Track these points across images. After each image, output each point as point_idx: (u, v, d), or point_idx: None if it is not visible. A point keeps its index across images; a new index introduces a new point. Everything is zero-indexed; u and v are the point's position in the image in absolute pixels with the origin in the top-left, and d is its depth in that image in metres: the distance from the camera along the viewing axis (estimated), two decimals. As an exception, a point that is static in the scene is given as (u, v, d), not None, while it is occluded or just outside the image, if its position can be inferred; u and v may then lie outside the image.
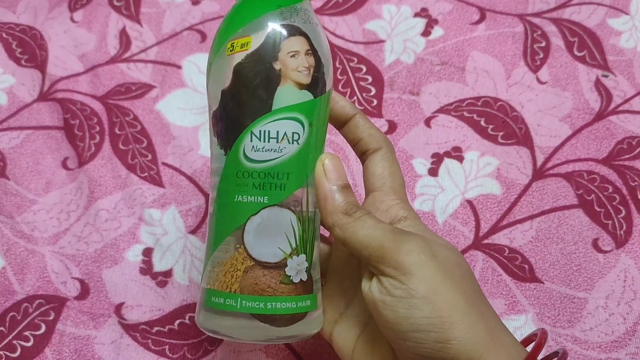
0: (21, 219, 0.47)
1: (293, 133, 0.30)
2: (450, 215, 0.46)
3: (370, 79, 0.52)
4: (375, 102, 0.51)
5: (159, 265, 0.46)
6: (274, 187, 0.30)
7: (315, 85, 0.31)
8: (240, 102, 0.30)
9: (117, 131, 0.51)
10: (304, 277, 0.31)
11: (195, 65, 0.53)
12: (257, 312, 0.30)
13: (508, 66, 0.52)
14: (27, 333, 0.43)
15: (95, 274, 0.45)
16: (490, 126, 0.49)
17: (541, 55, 0.52)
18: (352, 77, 0.52)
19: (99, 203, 0.47)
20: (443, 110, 0.50)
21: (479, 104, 0.50)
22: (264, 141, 0.30)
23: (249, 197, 0.30)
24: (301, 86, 0.30)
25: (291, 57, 0.30)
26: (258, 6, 0.31)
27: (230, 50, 0.30)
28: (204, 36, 0.55)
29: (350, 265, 0.35)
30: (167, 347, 0.43)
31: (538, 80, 0.51)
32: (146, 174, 0.49)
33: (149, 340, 0.43)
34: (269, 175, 0.30)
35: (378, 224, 0.30)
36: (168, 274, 0.45)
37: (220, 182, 0.31)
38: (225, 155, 0.31)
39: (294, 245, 0.31)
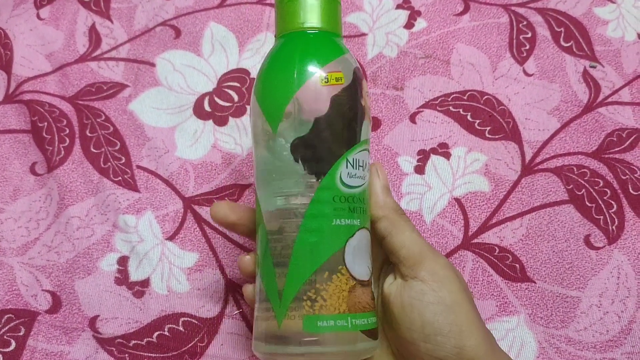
0: (-13, 229, 0.45)
1: (367, 163, 0.34)
2: (438, 215, 0.45)
3: (352, 74, 0.50)
4: (358, 98, 0.49)
5: (135, 275, 0.43)
6: (362, 210, 0.33)
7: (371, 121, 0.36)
8: (338, 131, 0.32)
9: (88, 133, 0.48)
10: (376, 293, 0.34)
11: (170, 63, 0.51)
12: (364, 328, 0.32)
13: (494, 58, 0.50)
14: (-5, 350, 0.41)
15: (68, 286, 0.43)
16: (477, 121, 0.48)
17: (527, 47, 0.51)
18: (333, 73, 0.50)
19: (70, 210, 0.45)
20: (428, 105, 0.49)
21: (465, 98, 0.49)
22: (356, 168, 0.33)
23: (346, 220, 0.32)
24: (369, 122, 0.35)
25: (367, 96, 0.35)
26: (336, 45, 0.34)
27: (326, 82, 0.32)
28: (178, 32, 0.53)
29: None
30: (145, 360, 0.41)
31: (525, 72, 0.50)
32: (120, 178, 0.46)
33: (126, 355, 0.41)
34: (359, 200, 0.33)
35: (418, 232, 0.34)
36: (145, 283, 0.43)
37: (312, 207, 0.32)
38: (317, 180, 0.32)
39: (371, 263, 0.34)
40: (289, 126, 0.32)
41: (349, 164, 0.32)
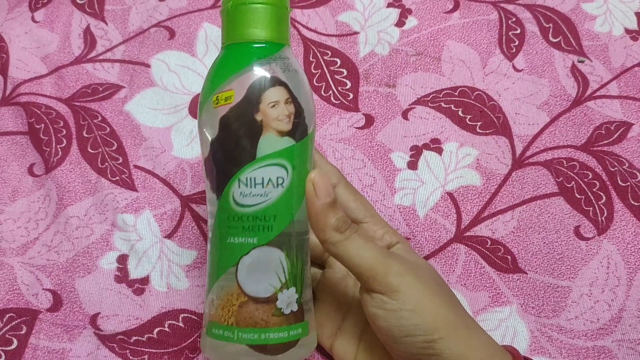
0: (-13, 230, 0.45)
1: (277, 178, 0.32)
2: (431, 209, 0.45)
3: (345, 72, 0.51)
4: (351, 95, 0.50)
5: (134, 273, 0.44)
6: (262, 228, 0.32)
7: (296, 130, 0.33)
8: (227, 152, 0.32)
9: (85, 134, 0.49)
10: (295, 308, 0.33)
11: (165, 63, 0.52)
12: (252, 342, 0.33)
13: (484, 55, 0.51)
14: (-2, 349, 0.41)
15: (68, 284, 0.44)
16: (468, 116, 0.49)
17: (516, 43, 0.52)
18: (326, 71, 0.51)
19: (69, 210, 0.46)
20: (420, 101, 0.49)
21: (456, 94, 0.50)
22: (251, 187, 0.32)
23: (239, 238, 0.33)
24: (282, 133, 0.32)
25: (271, 107, 0.32)
26: (238, 60, 0.33)
27: (216, 104, 0.32)
28: (172, 33, 0.53)
29: (344, 280, 0.38)
30: (146, 356, 0.41)
31: (514, 68, 0.51)
32: (117, 177, 0.47)
33: (127, 351, 0.42)
34: (257, 218, 0.32)
35: (367, 243, 0.33)
36: (145, 281, 0.44)
37: (214, 225, 0.34)
38: (217, 199, 0.33)
39: (283, 280, 0.33)
40: (202, 147, 0.34)
41: (241, 183, 0.32)
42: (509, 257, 0.44)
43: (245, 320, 0.33)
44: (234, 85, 0.32)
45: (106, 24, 0.54)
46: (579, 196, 0.45)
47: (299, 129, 0.33)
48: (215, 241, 0.34)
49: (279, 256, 0.33)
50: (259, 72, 0.32)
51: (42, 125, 0.49)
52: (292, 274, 0.33)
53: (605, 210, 0.45)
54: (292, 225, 0.33)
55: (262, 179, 0.32)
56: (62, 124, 0.49)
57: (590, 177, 0.46)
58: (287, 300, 0.33)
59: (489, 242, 0.44)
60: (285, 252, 0.33)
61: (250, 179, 0.32)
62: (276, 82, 0.32)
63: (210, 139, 0.33)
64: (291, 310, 0.33)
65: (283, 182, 0.33)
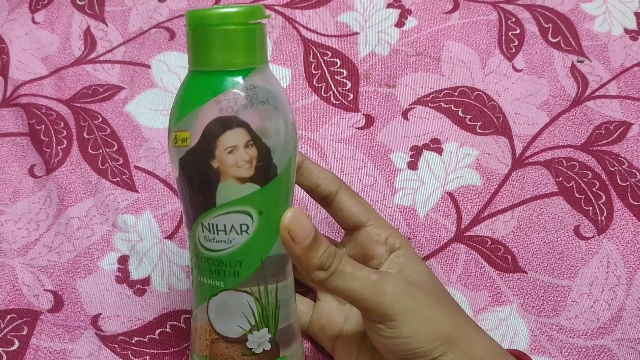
0: (-12, 231, 0.45)
1: (241, 225, 0.30)
2: (431, 209, 0.46)
3: (345, 72, 0.51)
4: (351, 96, 0.50)
5: (135, 273, 0.44)
6: (228, 273, 0.31)
7: (261, 174, 0.29)
8: (188, 195, 0.31)
9: (85, 135, 0.49)
10: (267, 347, 0.32)
11: (165, 64, 0.52)
12: None
13: (483, 55, 0.51)
14: (-1, 350, 0.41)
15: (69, 285, 0.44)
16: (468, 116, 0.49)
17: (516, 43, 0.52)
18: (326, 72, 0.51)
19: (70, 211, 0.46)
20: (420, 101, 0.50)
21: (456, 94, 0.50)
22: (214, 233, 0.30)
23: (208, 279, 0.32)
24: (243, 180, 0.29)
25: (228, 153, 0.28)
26: (195, 96, 0.29)
27: (175, 143, 0.30)
28: (172, 34, 0.53)
29: None
30: (147, 357, 0.42)
31: (514, 68, 0.51)
32: (118, 178, 0.47)
33: (129, 352, 0.42)
34: (222, 263, 0.31)
35: (354, 273, 0.31)
36: (146, 281, 0.44)
37: (191, 258, 0.33)
38: (189, 235, 0.32)
39: (253, 323, 0.32)
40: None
41: (204, 228, 0.30)
42: (509, 256, 0.44)
43: (216, 356, 0.33)
44: (190, 125, 0.29)
45: (106, 25, 0.54)
46: (578, 196, 0.45)
47: (264, 173, 0.30)
48: (192, 275, 0.34)
49: (247, 300, 0.31)
50: (215, 112, 0.28)
51: (43, 126, 0.49)
52: (264, 316, 0.32)
53: (605, 210, 0.45)
54: (261, 269, 0.31)
55: (224, 225, 0.30)
56: (62, 125, 0.49)
57: (590, 176, 0.46)
58: (258, 341, 0.32)
59: (489, 242, 0.44)
60: (254, 297, 0.31)
61: (212, 224, 0.30)
62: (234, 123, 0.28)
63: (175, 175, 0.31)
64: (263, 350, 0.32)
65: (247, 228, 0.30)
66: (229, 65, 0.28)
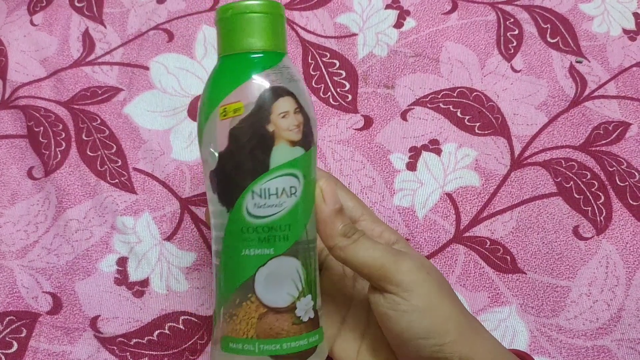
0: (-13, 233, 0.45)
1: (290, 187, 0.32)
2: (430, 210, 0.46)
3: (343, 73, 0.51)
4: (350, 97, 0.50)
5: (134, 275, 0.44)
6: (278, 238, 0.32)
7: (306, 139, 0.33)
8: (239, 164, 0.32)
9: (84, 137, 0.49)
10: (312, 315, 0.34)
11: (164, 66, 0.52)
12: (274, 353, 0.32)
13: (482, 56, 0.51)
14: (-2, 352, 0.41)
15: (68, 287, 0.44)
16: (467, 117, 0.49)
17: (514, 44, 0.52)
18: (325, 73, 0.51)
19: (68, 213, 0.46)
20: (419, 102, 0.50)
21: (455, 95, 0.50)
22: (265, 198, 0.32)
23: (255, 250, 0.32)
24: (293, 143, 0.32)
25: (282, 117, 0.32)
26: (242, 70, 0.32)
27: (224, 116, 0.32)
28: (171, 35, 0.53)
29: (342, 281, 0.38)
30: (146, 358, 0.41)
31: (512, 68, 0.51)
32: (117, 180, 0.47)
33: (127, 353, 0.42)
34: (273, 228, 0.32)
35: (375, 244, 0.33)
36: (144, 283, 0.44)
37: (225, 238, 0.33)
38: (227, 212, 0.32)
39: (300, 289, 0.33)
40: (205, 158, 0.34)
41: (255, 195, 0.32)
42: (508, 257, 0.44)
43: (265, 332, 0.32)
44: (241, 96, 0.32)
45: (105, 27, 0.54)
46: (577, 196, 0.45)
47: (307, 138, 0.33)
48: (227, 254, 0.33)
49: (296, 265, 0.33)
50: (266, 82, 0.32)
51: (41, 128, 0.49)
52: (308, 281, 0.33)
53: (604, 210, 0.45)
54: (305, 234, 0.33)
55: (276, 189, 0.32)
56: (61, 126, 0.49)
57: (588, 177, 0.46)
58: (305, 308, 0.33)
59: (488, 243, 0.44)
60: (301, 261, 0.33)
61: (264, 189, 0.32)
62: (284, 92, 0.32)
63: (217, 152, 0.32)
64: (309, 318, 0.33)
65: (296, 191, 0.32)
66: (271, 48, 0.33)
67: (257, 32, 0.32)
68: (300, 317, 0.33)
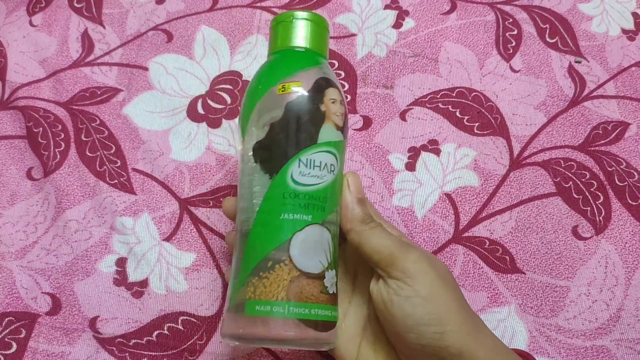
0: (-14, 234, 0.45)
1: (330, 164, 0.36)
2: (429, 210, 0.46)
3: (342, 74, 0.51)
4: (349, 97, 0.50)
5: (133, 275, 0.44)
6: (316, 208, 0.35)
7: (344, 128, 0.37)
8: (291, 133, 0.35)
9: (83, 138, 0.49)
10: (335, 290, 0.35)
11: (163, 67, 0.52)
12: (303, 317, 0.33)
13: (481, 56, 0.51)
14: (-3, 353, 0.41)
15: (67, 288, 0.44)
16: (466, 117, 0.49)
17: (513, 44, 0.52)
18: (324, 73, 0.51)
19: (68, 213, 0.46)
20: (418, 102, 0.50)
21: (454, 95, 0.50)
22: (310, 168, 0.35)
23: (295, 215, 0.34)
24: (337, 127, 0.36)
25: (332, 103, 0.36)
26: (303, 60, 0.37)
27: (282, 90, 0.36)
28: (170, 36, 0.53)
29: (343, 277, 0.39)
30: (145, 359, 0.41)
31: (511, 68, 0.51)
32: (116, 180, 0.47)
33: (127, 354, 0.42)
34: (313, 197, 0.35)
35: (388, 234, 0.35)
36: (144, 283, 0.44)
37: (264, 203, 0.35)
38: (270, 178, 0.35)
39: (329, 260, 0.35)
40: (251, 132, 0.36)
41: (301, 163, 0.35)
42: (507, 257, 0.44)
43: (296, 295, 0.33)
44: (301, 78, 0.36)
45: (104, 27, 0.54)
46: (576, 196, 0.45)
47: (346, 128, 0.37)
48: (264, 219, 0.35)
49: (327, 237, 0.35)
50: (320, 73, 0.37)
51: (41, 129, 0.49)
52: (334, 256, 0.36)
53: (603, 210, 0.45)
54: (336, 212, 0.36)
55: (320, 162, 0.35)
56: (60, 127, 0.49)
57: (587, 177, 0.46)
58: (331, 281, 0.35)
59: (487, 243, 0.44)
60: (332, 235, 0.36)
61: (310, 160, 0.35)
62: (334, 83, 0.37)
63: (270, 122, 0.35)
64: (333, 292, 0.35)
65: (334, 169, 0.36)
66: (322, 50, 0.39)
67: (312, 35, 0.38)
68: (327, 287, 0.35)
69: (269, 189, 0.35)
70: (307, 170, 0.35)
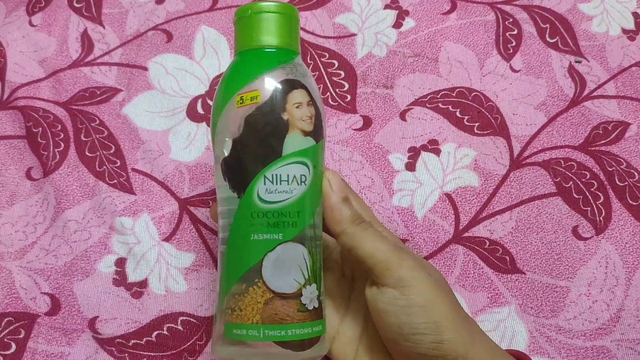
0: (-15, 234, 0.45)
1: (301, 175, 0.34)
2: (429, 210, 0.45)
3: (342, 74, 0.51)
4: (349, 97, 0.50)
5: (133, 276, 0.44)
6: (287, 224, 0.33)
7: (316, 131, 0.35)
8: (253, 149, 0.33)
9: (82, 138, 0.49)
10: (316, 305, 0.34)
11: (162, 67, 0.52)
12: (278, 339, 0.33)
13: (481, 55, 0.51)
14: (-4, 353, 0.41)
15: (66, 288, 0.44)
16: (466, 117, 0.49)
17: (514, 43, 0.52)
18: (324, 73, 0.51)
19: (67, 214, 0.46)
20: (418, 102, 0.49)
21: (454, 95, 0.50)
22: (276, 184, 0.33)
23: (264, 235, 0.33)
24: (305, 133, 0.34)
25: (296, 108, 0.34)
26: (261, 65, 0.34)
27: (240, 103, 0.33)
28: (169, 36, 0.53)
29: (340, 282, 0.39)
30: (145, 359, 0.41)
31: (511, 68, 0.51)
32: (115, 181, 0.47)
33: (126, 354, 0.42)
34: (282, 214, 0.33)
35: (382, 238, 0.34)
36: (143, 284, 0.44)
37: (233, 224, 0.34)
38: (238, 198, 0.34)
39: (306, 276, 0.34)
40: (218, 146, 0.35)
41: (267, 180, 0.33)
42: (508, 257, 0.44)
43: (271, 317, 0.33)
44: (258, 86, 0.33)
45: (104, 27, 0.54)
46: (577, 196, 0.45)
47: (318, 130, 0.35)
48: (235, 240, 0.34)
49: (302, 252, 0.34)
50: (283, 75, 0.34)
51: (40, 129, 0.49)
52: (313, 270, 0.34)
53: (603, 210, 0.45)
54: (312, 223, 0.34)
55: (287, 175, 0.33)
56: (59, 127, 0.49)
57: (588, 177, 0.46)
58: (310, 296, 0.34)
59: (488, 243, 0.44)
60: (307, 249, 0.34)
61: (276, 175, 0.33)
62: (298, 84, 0.34)
63: (232, 139, 0.34)
64: (313, 307, 0.34)
65: (305, 179, 0.34)
66: (289, 46, 0.35)
67: (274, 30, 0.35)
68: (305, 304, 0.33)
69: (237, 208, 0.34)
70: (273, 187, 0.33)
